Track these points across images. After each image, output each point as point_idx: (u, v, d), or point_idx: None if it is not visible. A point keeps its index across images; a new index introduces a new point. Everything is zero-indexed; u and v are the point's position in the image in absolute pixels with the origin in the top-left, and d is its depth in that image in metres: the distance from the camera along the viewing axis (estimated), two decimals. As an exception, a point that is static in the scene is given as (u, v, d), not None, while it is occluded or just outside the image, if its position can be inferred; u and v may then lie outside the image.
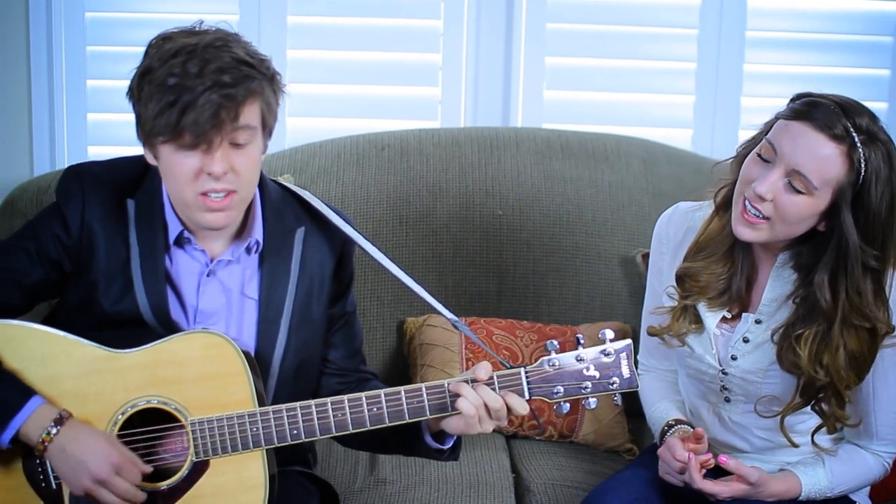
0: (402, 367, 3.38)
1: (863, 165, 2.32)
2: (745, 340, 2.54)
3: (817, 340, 2.42)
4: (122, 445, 2.26)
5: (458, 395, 2.26)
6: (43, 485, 2.30)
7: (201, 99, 2.15)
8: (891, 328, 2.42)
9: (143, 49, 3.70)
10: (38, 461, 2.30)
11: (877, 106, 2.42)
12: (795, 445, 2.54)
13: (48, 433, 2.23)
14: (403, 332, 3.40)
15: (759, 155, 2.41)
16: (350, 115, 3.79)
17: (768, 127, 2.44)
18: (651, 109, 3.90)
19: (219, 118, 2.17)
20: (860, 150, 2.31)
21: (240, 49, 2.23)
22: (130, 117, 3.81)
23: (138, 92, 2.24)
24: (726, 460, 2.50)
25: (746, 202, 2.40)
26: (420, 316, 3.38)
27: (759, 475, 2.48)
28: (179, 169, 2.23)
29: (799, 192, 2.35)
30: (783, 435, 2.51)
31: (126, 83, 3.80)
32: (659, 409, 2.73)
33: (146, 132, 2.25)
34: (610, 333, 2.30)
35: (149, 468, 2.28)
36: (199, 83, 2.15)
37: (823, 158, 2.32)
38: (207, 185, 2.23)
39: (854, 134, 2.31)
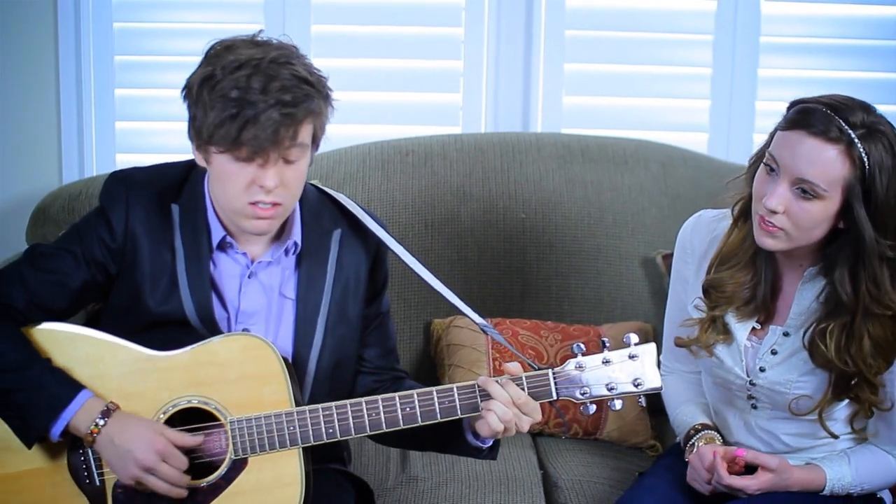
0: (429, 368, 3.42)
1: (865, 160, 2.34)
2: (774, 353, 2.57)
3: (842, 333, 2.45)
4: (167, 428, 2.32)
5: (488, 395, 2.32)
6: (87, 481, 2.36)
7: (263, 116, 2.19)
8: None
9: (169, 58, 3.80)
10: (82, 458, 2.36)
11: (889, 109, 2.45)
12: (835, 436, 2.57)
13: (96, 424, 2.29)
14: (430, 334, 3.44)
15: (765, 169, 2.44)
16: (373, 121, 3.83)
17: (770, 139, 2.47)
18: (667, 114, 3.93)
19: (278, 136, 2.21)
20: (859, 145, 2.33)
21: (301, 66, 2.27)
22: (158, 125, 3.91)
23: (197, 95, 2.26)
24: (744, 453, 2.54)
25: (762, 217, 2.44)
26: (447, 317, 3.42)
27: (778, 461, 2.52)
28: (233, 178, 2.27)
29: (809, 197, 2.37)
30: (822, 427, 2.54)
31: (154, 91, 3.89)
32: (683, 411, 2.77)
33: (202, 138, 2.27)
34: (634, 337, 2.35)
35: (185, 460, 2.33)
36: (261, 99, 2.19)
37: (824, 162, 2.35)
38: (258, 196, 2.28)
39: (850, 131, 2.33)
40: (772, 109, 2.53)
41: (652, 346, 2.36)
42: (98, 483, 2.36)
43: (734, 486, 2.53)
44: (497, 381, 2.32)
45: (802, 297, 2.55)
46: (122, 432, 2.29)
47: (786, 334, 2.57)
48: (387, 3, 3.83)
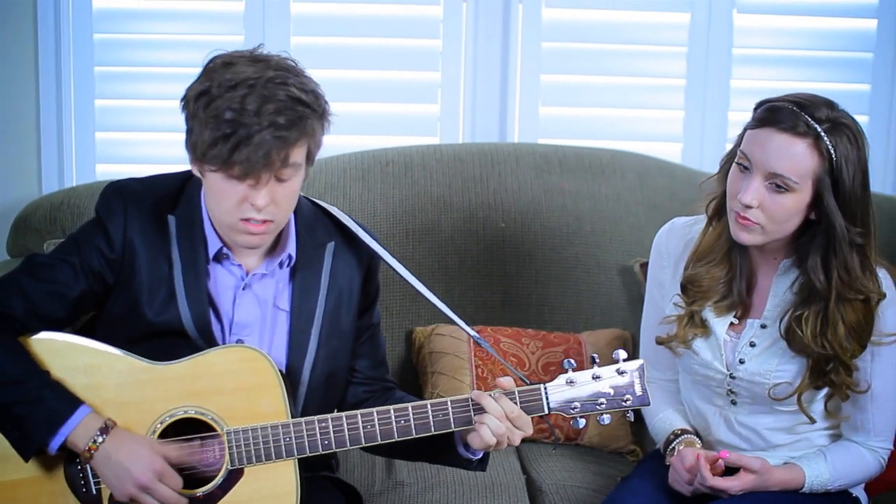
0: (411, 376, 3.44)
1: (832, 152, 2.44)
2: (752, 345, 2.65)
3: (817, 319, 2.54)
4: (163, 444, 2.34)
5: (481, 409, 2.36)
6: (83, 490, 2.37)
7: (256, 138, 2.20)
8: (882, 295, 2.55)
9: (149, 69, 3.80)
10: (79, 468, 2.37)
11: (858, 119, 2.55)
12: (813, 420, 2.64)
13: (94, 441, 2.30)
14: (412, 342, 3.46)
15: (737, 167, 2.53)
16: (352, 131, 3.83)
17: (740, 139, 2.56)
18: (642, 124, 3.97)
19: (270, 158, 2.23)
20: (825, 139, 2.44)
21: (296, 86, 2.27)
22: (138, 136, 3.91)
23: (194, 110, 2.28)
24: (727, 455, 2.61)
25: (738, 213, 2.52)
26: (428, 325, 3.45)
27: (761, 463, 2.60)
28: (225, 195, 2.30)
29: (782, 190, 2.47)
30: (801, 411, 2.61)
31: (134, 102, 3.88)
32: (662, 418, 2.82)
33: (196, 155, 2.29)
34: (623, 353, 2.43)
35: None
36: (255, 122, 2.20)
37: (794, 155, 2.45)
38: (249, 213, 2.30)
39: (816, 126, 2.44)
40: (744, 120, 2.61)
41: (641, 362, 2.43)
42: (94, 493, 2.37)
43: (717, 488, 2.59)
44: (491, 396, 2.37)
45: (778, 289, 2.64)
46: (119, 449, 2.31)
47: (763, 326, 2.65)
48: (366, 15, 3.85)
